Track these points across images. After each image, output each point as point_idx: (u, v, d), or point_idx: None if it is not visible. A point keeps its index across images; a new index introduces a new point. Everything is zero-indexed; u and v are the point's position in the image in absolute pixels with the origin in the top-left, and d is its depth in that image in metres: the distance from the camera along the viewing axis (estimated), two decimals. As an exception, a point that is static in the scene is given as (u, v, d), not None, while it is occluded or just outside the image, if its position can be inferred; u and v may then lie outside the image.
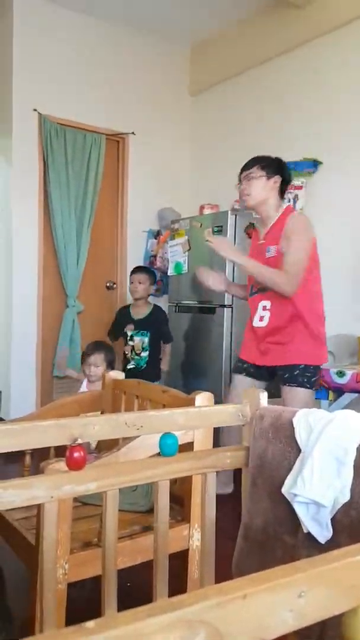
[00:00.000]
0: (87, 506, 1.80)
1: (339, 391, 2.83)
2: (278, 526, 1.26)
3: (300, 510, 1.18)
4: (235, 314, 3.68)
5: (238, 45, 4.38)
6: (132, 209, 4.64)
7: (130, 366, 3.64)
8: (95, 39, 4.38)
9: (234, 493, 2.65)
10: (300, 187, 3.77)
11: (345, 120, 3.60)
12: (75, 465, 1.13)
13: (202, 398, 1.65)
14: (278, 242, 2.50)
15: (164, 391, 1.91)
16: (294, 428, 1.26)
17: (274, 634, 0.55)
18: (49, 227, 4.21)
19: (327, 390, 2.85)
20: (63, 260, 4.23)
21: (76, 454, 1.13)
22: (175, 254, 4.15)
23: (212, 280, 2.74)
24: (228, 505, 1.79)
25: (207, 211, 4.30)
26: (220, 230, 3.72)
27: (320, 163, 3.74)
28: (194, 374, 3.96)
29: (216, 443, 1.79)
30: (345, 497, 1.13)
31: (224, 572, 1.30)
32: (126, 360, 3.69)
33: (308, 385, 2.50)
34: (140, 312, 3.74)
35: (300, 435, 1.24)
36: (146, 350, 3.65)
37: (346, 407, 2.81)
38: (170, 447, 1.25)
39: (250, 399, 1.40)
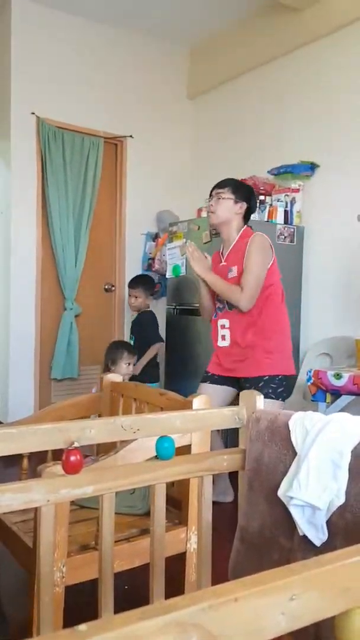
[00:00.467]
0: (84, 509, 1.79)
1: (336, 393, 2.83)
2: (274, 529, 1.26)
3: (295, 513, 1.18)
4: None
5: (237, 47, 4.39)
6: (131, 212, 4.64)
7: None
8: (93, 42, 4.39)
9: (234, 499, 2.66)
10: (297, 190, 3.79)
11: (345, 122, 3.61)
12: (71, 469, 1.14)
13: (200, 401, 1.65)
14: (240, 263, 2.57)
15: (161, 394, 1.91)
16: (289, 431, 1.27)
17: (267, 637, 0.56)
18: (47, 230, 4.22)
19: (324, 393, 2.85)
20: (61, 262, 4.24)
21: (72, 458, 1.13)
22: (173, 257, 4.15)
23: (199, 266, 2.61)
24: (225, 508, 1.79)
25: (204, 214, 4.30)
26: (217, 234, 3.72)
27: (318, 166, 3.75)
28: (192, 376, 3.96)
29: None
30: (341, 499, 1.13)
31: (221, 574, 1.30)
32: None
33: (274, 396, 2.55)
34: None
35: (296, 438, 1.25)
36: None
37: (343, 409, 2.81)
38: (167, 450, 1.25)
39: (247, 402, 1.40)
